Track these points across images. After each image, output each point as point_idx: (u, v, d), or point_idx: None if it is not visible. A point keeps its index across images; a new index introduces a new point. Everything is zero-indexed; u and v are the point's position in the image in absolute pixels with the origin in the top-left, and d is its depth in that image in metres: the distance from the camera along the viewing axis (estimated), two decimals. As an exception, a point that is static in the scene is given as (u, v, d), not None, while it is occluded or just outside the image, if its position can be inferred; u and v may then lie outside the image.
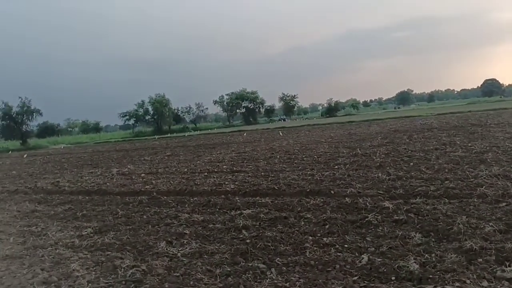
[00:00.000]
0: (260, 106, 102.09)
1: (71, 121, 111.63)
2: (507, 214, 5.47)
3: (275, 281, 4.14)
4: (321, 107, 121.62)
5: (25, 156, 34.59)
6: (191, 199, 8.59)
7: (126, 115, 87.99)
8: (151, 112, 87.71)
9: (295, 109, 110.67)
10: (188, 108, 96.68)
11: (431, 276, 3.89)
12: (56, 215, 8.40)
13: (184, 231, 6.17)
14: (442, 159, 10.46)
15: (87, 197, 10.16)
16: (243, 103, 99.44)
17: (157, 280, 4.42)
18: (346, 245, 4.97)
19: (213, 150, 21.67)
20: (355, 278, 4.07)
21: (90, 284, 4.43)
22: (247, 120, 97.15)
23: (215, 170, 12.94)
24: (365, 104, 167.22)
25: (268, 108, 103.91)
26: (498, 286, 3.63)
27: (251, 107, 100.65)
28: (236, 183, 9.94)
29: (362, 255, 4.57)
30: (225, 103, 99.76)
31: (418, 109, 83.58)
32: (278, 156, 14.92)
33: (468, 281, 3.73)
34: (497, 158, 9.86)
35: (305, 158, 13.52)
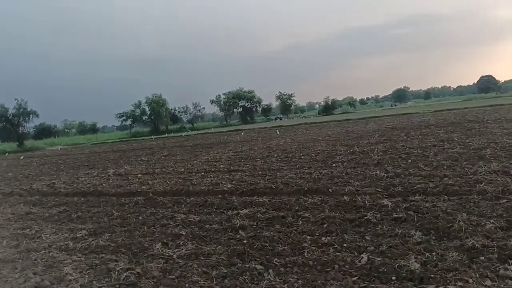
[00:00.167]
0: (257, 105, 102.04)
1: (68, 122, 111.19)
2: (508, 211, 5.39)
3: (273, 283, 4.04)
4: (318, 106, 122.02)
5: (21, 158, 34.34)
6: (188, 199, 8.48)
7: (123, 116, 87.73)
8: (148, 113, 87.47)
9: (292, 108, 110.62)
10: (185, 108, 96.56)
11: (432, 275, 3.80)
12: (51, 217, 8.27)
13: (180, 232, 6.06)
14: (440, 156, 10.38)
15: (82, 199, 10.04)
16: (240, 102, 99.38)
17: (152, 283, 4.31)
18: (345, 245, 4.87)
19: (210, 149, 21.54)
20: (355, 278, 3.97)
21: (83, 288, 4.33)
22: (244, 119, 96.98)
23: (212, 169, 12.83)
24: (362, 102, 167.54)
25: (265, 107, 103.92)
26: (502, 285, 3.55)
27: (248, 106, 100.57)
28: (233, 182, 9.83)
29: (362, 255, 4.47)
30: (222, 102, 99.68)
31: (415, 106, 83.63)
32: (275, 155, 14.83)
33: (470, 280, 3.64)
34: (496, 154, 9.78)
35: (302, 157, 13.42)
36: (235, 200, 7.90)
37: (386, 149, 13.10)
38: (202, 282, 4.21)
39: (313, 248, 4.84)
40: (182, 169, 13.72)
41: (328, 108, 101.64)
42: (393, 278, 3.90)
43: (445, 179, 7.67)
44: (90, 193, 10.80)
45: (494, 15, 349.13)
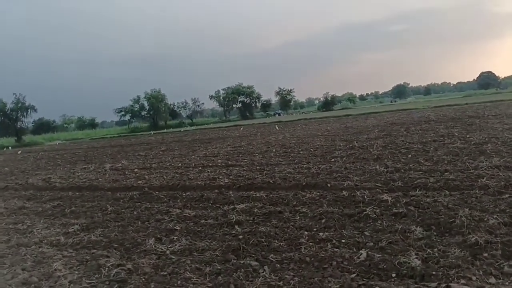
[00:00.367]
0: (257, 100, 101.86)
1: (67, 118, 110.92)
2: (511, 206, 5.23)
3: (268, 280, 3.88)
4: (317, 101, 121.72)
5: (19, 152, 34.20)
6: (184, 194, 8.32)
7: (121, 111, 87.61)
8: (147, 108, 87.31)
9: (291, 104, 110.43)
10: (184, 104, 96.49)
11: (434, 272, 3.64)
12: (44, 212, 8.12)
13: (175, 227, 5.91)
14: (441, 151, 10.23)
15: (77, 193, 9.87)
16: (239, 98, 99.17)
17: (143, 279, 4.16)
18: (343, 240, 4.71)
19: (209, 144, 21.39)
20: (353, 275, 3.81)
21: (72, 285, 4.17)
22: (244, 115, 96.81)
23: (210, 164, 12.68)
24: (362, 97, 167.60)
25: (265, 102, 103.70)
26: (506, 283, 3.39)
27: (247, 102, 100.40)
28: (231, 177, 9.68)
29: (361, 251, 4.31)
30: (221, 98, 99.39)
31: (415, 102, 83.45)
32: (274, 150, 14.67)
33: (474, 278, 3.49)
34: (497, 149, 9.62)
35: (301, 152, 13.27)
36: (232, 195, 7.74)
37: (385, 144, 12.95)
38: (195, 279, 4.05)
39: (311, 244, 4.68)
40: (180, 164, 13.56)
41: (328, 104, 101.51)
42: (393, 275, 3.74)
43: (446, 174, 7.52)
44: (85, 187, 10.64)
45: (494, 11, 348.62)
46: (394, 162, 9.28)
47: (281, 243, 4.82)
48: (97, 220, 6.92)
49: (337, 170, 9.03)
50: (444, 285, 3.42)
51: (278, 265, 4.21)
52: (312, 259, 4.26)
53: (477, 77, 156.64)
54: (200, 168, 12.07)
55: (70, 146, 38.82)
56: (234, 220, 5.94)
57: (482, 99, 47.33)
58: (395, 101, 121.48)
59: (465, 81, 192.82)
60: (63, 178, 12.90)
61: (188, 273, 4.20)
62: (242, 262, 4.35)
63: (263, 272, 4.07)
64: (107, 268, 4.46)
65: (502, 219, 4.72)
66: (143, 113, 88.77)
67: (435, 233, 4.61)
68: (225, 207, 6.82)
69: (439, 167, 8.22)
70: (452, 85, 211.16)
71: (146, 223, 6.41)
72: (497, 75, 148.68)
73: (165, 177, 10.85)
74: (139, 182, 10.38)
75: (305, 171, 9.40)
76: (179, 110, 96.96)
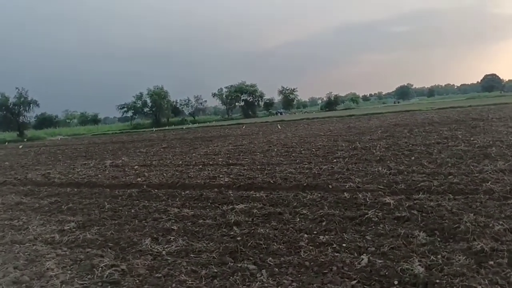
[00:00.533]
0: (259, 99, 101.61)
1: (70, 113, 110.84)
2: (517, 212, 5.09)
3: (266, 285, 3.75)
4: (320, 101, 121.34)
5: (20, 147, 34.18)
6: (183, 193, 8.20)
7: (124, 107, 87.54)
8: (150, 104, 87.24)
9: (294, 103, 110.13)
10: (187, 101, 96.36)
11: (438, 280, 3.50)
12: (41, 208, 8.01)
13: (172, 227, 5.78)
14: (445, 153, 10.08)
15: (75, 190, 9.76)
16: (242, 96, 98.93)
17: (137, 281, 4.03)
18: (344, 244, 4.57)
19: (210, 142, 21.26)
20: (354, 282, 3.67)
21: (63, 285, 4.06)
22: (246, 113, 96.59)
23: (210, 162, 12.56)
24: (365, 98, 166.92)
25: (267, 101, 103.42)
26: (514, 293, 3.26)
27: (250, 100, 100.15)
28: (231, 176, 9.55)
29: (362, 256, 4.17)
30: (224, 96, 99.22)
31: (418, 103, 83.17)
32: (275, 149, 14.54)
33: (479, 287, 3.35)
34: (502, 152, 9.46)
35: (303, 151, 13.13)
36: (232, 194, 7.62)
37: (388, 145, 12.80)
38: (190, 282, 3.92)
39: (310, 247, 4.54)
40: (180, 162, 13.45)
41: (331, 103, 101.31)
42: (395, 282, 3.61)
43: (450, 177, 7.37)
44: (84, 184, 10.53)
45: (499, 13, 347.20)
46: (397, 164, 9.14)
47: (280, 246, 4.68)
48: (94, 217, 6.81)
49: (339, 171, 8.90)
50: (448, 294, 3.29)
51: (277, 269, 4.07)
52: (312, 263, 4.12)
53: (481, 80, 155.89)
54: (201, 166, 11.95)
55: (72, 142, 38.77)
56: (232, 220, 5.82)
57: (486, 101, 47.16)
58: (398, 102, 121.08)
59: (469, 83, 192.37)
60: (63, 174, 12.80)
61: (183, 275, 4.07)
62: (239, 265, 4.22)
63: (260, 277, 3.93)
64: (100, 268, 4.34)
65: (508, 225, 4.58)
66: (146, 109, 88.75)
67: (438, 239, 4.47)
68: (224, 207, 6.69)
69: (443, 170, 8.07)
70: (456, 87, 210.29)
71: (143, 222, 6.29)
72: (501, 78, 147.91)
73: (164, 174, 10.73)
74: (139, 179, 10.26)
75: (307, 171, 9.27)
76: (182, 107, 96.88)
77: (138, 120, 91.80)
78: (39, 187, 10.62)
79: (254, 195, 7.33)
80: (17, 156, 23.71)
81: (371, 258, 4.08)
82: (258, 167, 10.68)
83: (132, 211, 7.09)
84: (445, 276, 3.57)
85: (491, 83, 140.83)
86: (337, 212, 5.82)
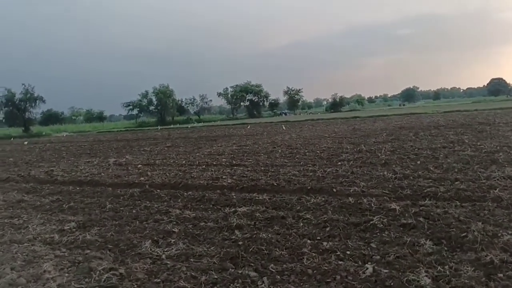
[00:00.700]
0: (265, 99, 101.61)
1: (76, 110, 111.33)
2: (527, 222, 4.95)
3: (267, 293, 3.64)
4: (325, 102, 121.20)
5: (25, 143, 34.27)
6: (185, 194, 8.10)
7: (129, 105, 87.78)
8: (155, 103, 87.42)
9: (299, 104, 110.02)
10: (192, 100, 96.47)
11: (445, 293, 3.39)
12: (42, 207, 7.94)
13: (173, 229, 5.69)
14: (451, 158, 9.93)
15: (77, 188, 9.69)
16: (247, 96, 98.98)
17: (135, 286, 3.93)
18: (348, 252, 4.44)
19: (214, 142, 21.18)
20: (358, 292, 3.57)
21: (60, 289, 3.96)
22: (251, 113, 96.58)
23: (214, 163, 12.46)
24: (370, 100, 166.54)
25: (273, 101, 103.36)
26: (524, 309, 3.13)
27: (255, 100, 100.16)
28: (234, 177, 9.44)
29: (366, 265, 4.04)
30: (229, 95, 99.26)
31: (424, 106, 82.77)
32: (279, 150, 14.43)
33: (488, 301, 3.24)
34: (510, 158, 9.31)
35: (307, 153, 13.01)
36: (234, 196, 7.52)
37: (394, 148, 12.66)
38: (189, 288, 3.83)
39: (313, 254, 4.42)
40: (183, 161, 13.36)
41: (336, 105, 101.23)
42: (401, 293, 3.49)
43: (456, 183, 7.23)
44: (86, 182, 10.47)
45: (506, 17, 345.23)
46: (403, 168, 9.01)
47: (283, 252, 4.57)
48: (95, 217, 6.73)
49: (344, 175, 8.77)
50: (456, 308, 3.17)
51: (278, 277, 3.96)
52: (315, 271, 4.00)
53: (487, 84, 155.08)
54: (204, 166, 11.86)
55: (77, 139, 38.82)
56: (234, 224, 5.71)
57: (492, 105, 46.78)
58: (403, 105, 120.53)
59: (475, 87, 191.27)
60: (66, 171, 12.75)
61: (182, 281, 3.97)
62: (240, 272, 4.10)
63: (261, 284, 3.82)
64: (98, 272, 4.24)
65: (517, 236, 4.44)
66: (151, 108, 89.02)
67: (445, 248, 4.34)
68: (226, 210, 6.59)
69: (450, 175, 7.93)
70: (462, 90, 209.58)
71: (144, 223, 6.20)
72: (508, 82, 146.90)
73: (167, 174, 10.65)
74: (141, 178, 10.18)
75: (311, 174, 9.15)
76: (187, 106, 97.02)
77: (144, 118, 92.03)
78: (42, 185, 10.58)
79: (257, 198, 7.22)
80: (22, 152, 23.75)
81: (376, 267, 3.96)
82: (262, 168, 10.57)
83: (134, 211, 7.00)
84: (453, 289, 3.45)
85: (497, 87, 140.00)
86: (341, 217, 5.70)
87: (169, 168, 11.92)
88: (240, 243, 4.97)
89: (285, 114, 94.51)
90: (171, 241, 5.24)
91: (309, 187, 7.72)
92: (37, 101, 64.83)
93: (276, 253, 4.56)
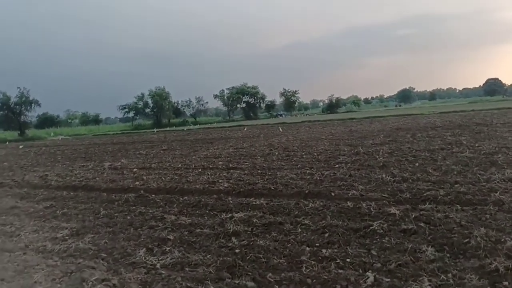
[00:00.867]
0: (261, 101, 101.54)
1: (71, 113, 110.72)
2: (530, 226, 4.85)
3: (265, 304, 3.52)
4: (322, 104, 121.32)
5: (20, 147, 34.03)
6: (181, 199, 7.97)
7: (125, 108, 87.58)
8: (151, 105, 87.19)
9: (296, 105, 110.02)
10: (188, 102, 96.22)
11: (449, 303, 3.27)
12: (35, 213, 7.79)
13: (168, 236, 5.56)
14: (449, 160, 9.84)
15: (72, 193, 9.55)
16: (243, 97, 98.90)
17: (128, 298, 3.81)
18: (348, 260, 4.32)
19: (211, 145, 21.04)
20: (359, 302, 3.45)
21: (50, 301, 3.83)
22: (248, 115, 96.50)
23: (210, 166, 12.33)
24: (366, 101, 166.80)
25: (269, 103, 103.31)
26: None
27: (251, 102, 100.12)
28: (231, 181, 9.32)
29: (367, 273, 3.92)
30: (225, 97, 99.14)
31: (420, 107, 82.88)
32: (276, 153, 14.30)
33: (494, 312, 3.12)
34: (509, 160, 9.23)
35: (304, 156, 12.90)
36: (231, 201, 7.40)
37: (391, 150, 12.56)
38: (185, 300, 3.70)
39: (313, 262, 4.29)
40: (180, 165, 13.22)
41: (332, 106, 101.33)
42: (404, 304, 3.38)
43: (456, 186, 7.13)
44: (81, 187, 10.32)
45: (501, 17, 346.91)
46: (401, 171, 8.91)
47: (281, 260, 4.44)
48: (88, 224, 6.59)
49: (342, 178, 8.66)
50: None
51: (277, 287, 3.84)
52: (314, 281, 3.88)
53: (483, 84, 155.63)
54: (200, 170, 11.72)
55: (72, 142, 38.59)
56: (231, 230, 5.59)
57: (489, 106, 46.86)
58: (400, 106, 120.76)
59: (471, 87, 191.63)
60: (60, 176, 12.59)
61: (177, 292, 3.84)
62: (237, 282, 3.98)
63: (259, 295, 3.70)
64: (91, 283, 4.11)
65: (521, 241, 4.33)
66: (147, 110, 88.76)
67: (448, 255, 4.23)
68: (222, 215, 6.46)
69: (449, 178, 7.83)
70: (457, 91, 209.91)
71: (138, 230, 6.06)
72: (503, 82, 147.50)
73: (163, 178, 10.51)
74: (137, 183, 10.05)
75: (308, 177, 9.04)
76: (183, 109, 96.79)
77: (139, 121, 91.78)
78: (36, 190, 10.43)
79: (254, 203, 7.10)
80: (17, 156, 23.54)
81: (377, 276, 3.85)
82: (259, 171, 10.45)
83: (128, 218, 6.86)
84: (457, 298, 3.34)
85: (493, 87, 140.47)
86: (340, 222, 5.58)
87: (165, 172, 11.78)
88: (237, 250, 4.85)
89: (281, 115, 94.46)
90: (166, 249, 5.11)
91: (307, 191, 7.61)
92: (33, 104, 64.49)
93: (274, 261, 4.44)
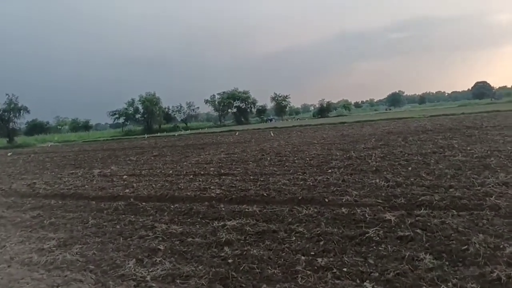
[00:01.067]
0: (252, 106, 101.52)
1: (61, 119, 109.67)
2: (528, 231, 4.76)
3: (260, 319, 3.38)
4: (313, 108, 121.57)
5: (9, 154, 33.57)
6: (172, 206, 7.80)
7: (115, 114, 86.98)
8: (141, 111, 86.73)
9: (287, 109, 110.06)
10: (179, 107, 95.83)
11: (451, 314, 3.16)
12: (22, 223, 7.58)
13: (158, 247, 5.39)
14: (442, 164, 9.78)
15: (60, 202, 9.34)
16: (234, 102, 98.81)
17: (117, 314, 3.65)
18: (345, 269, 4.18)
19: (202, 150, 20.86)
20: (358, 315, 3.32)
21: (35, 318, 3.66)
22: (239, 120, 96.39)
23: (202, 172, 12.16)
24: (357, 105, 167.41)
25: (260, 108, 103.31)
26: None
27: (242, 107, 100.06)
28: (223, 187, 9.16)
29: (365, 283, 3.80)
30: (216, 102, 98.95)
31: (410, 110, 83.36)
32: (268, 158, 14.18)
33: (497, 323, 3.01)
34: (502, 163, 9.18)
35: (296, 161, 12.79)
36: (223, 208, 7.24)
37: (384, 154, 12.50)
38: (176, 315, 3.55)
39: (308, 272, 4.16)
40: (170, 171, 13.05)
41: (323, 110, 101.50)
42: (403, 315, 3.26)
43: (451, 190, 7.04)
44: (69, 195, 10.11)
45: (489, 21, 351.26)
46: (395, 175, 8.82)
47: (275, 270, 4.30)
48: (76, 234, 6.40)
49: (335, 183, 8.55)
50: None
51: (272, 299, 3.70)
52: (310, 292, 3.75)
53: (471, 87, 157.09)
54: (192, 176, 11.55)
55: (62, 149, 38.16)
56: (223, 239, 5.44)
57: (478, 109, 47.28)
58: (390, 109, 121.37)
59: (460, 90, 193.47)
60: (49, 184, 12.36)
61: (168, 306, 3.69)
62: (230, 294, 3.83)
63: (254, 308, 3.56)
64: (77, 297, 3.94)
65: (520, 247, 4.24)
66: (138, 116, 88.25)
67: (447, 263, 4.11)
68: (214, 223, 6.31)
69: (443, 182, 7.75)
70: (446, 94, 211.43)
71: (128, 240, 5.89)
72: (492, 85, 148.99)
73: (153, 186, 10.32)
74: (126, 191, 9.86)
75: (301, 182, 8.92)
76: (174, 114, 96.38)
77: (130, 127, 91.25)
78: (23, 199, 10.20)
79: (246, 210, 6.96)
80: (5, 164, 23.15)
81: (375, 286, 3.73)
82: (251, 177, 10.31)
83: (117, 227, 6.68)
84: (459, 309, 3.22)
85: (482, 90, 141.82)
86: (335, 230, 5.46)
87: (156, 179, 11.59)
88: (230, 261, 4.70)
89: (271, 120, 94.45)
90: (156, 259, 4.94)
91: (300, 197, 7.49)
92: (21, 111, 63.78)
93: (268, 271, 4.29)
